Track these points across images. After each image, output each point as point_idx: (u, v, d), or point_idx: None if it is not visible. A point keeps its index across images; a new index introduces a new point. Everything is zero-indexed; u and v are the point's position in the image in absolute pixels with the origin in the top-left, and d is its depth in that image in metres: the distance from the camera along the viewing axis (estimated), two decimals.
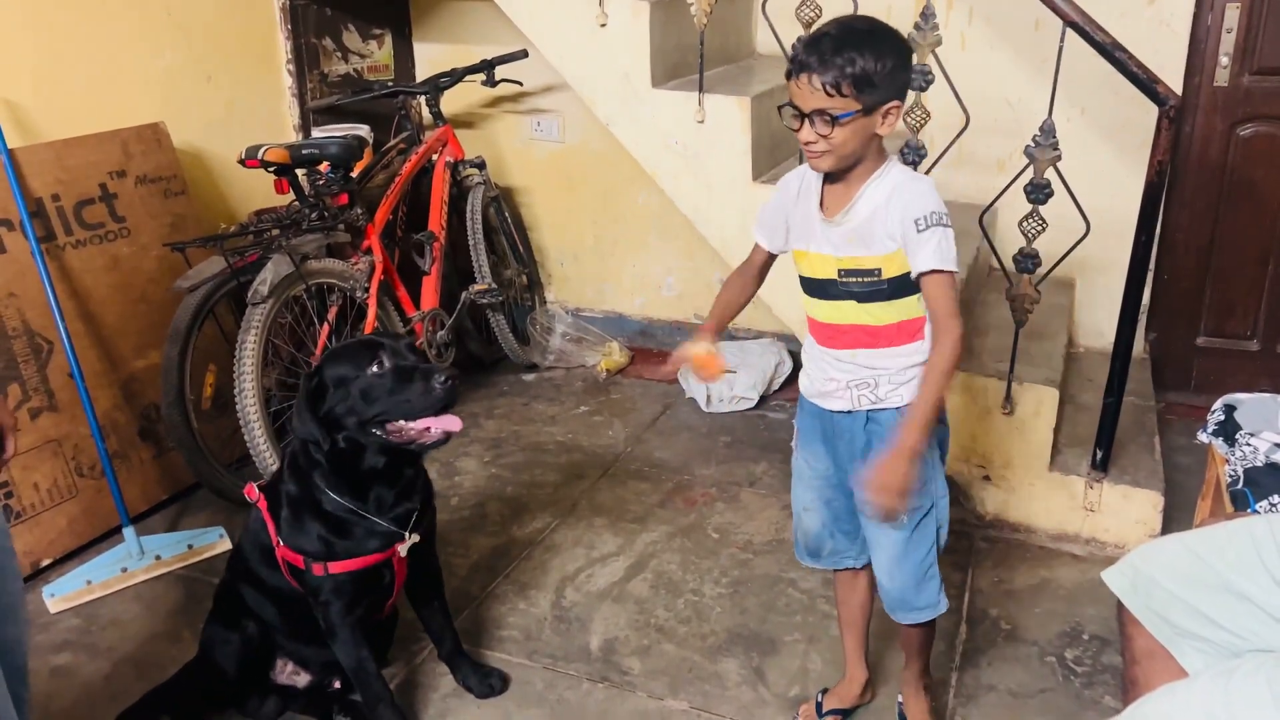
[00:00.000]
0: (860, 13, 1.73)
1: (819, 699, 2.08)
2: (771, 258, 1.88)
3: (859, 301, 1.70)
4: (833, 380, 1.77)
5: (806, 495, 1.92)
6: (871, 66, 1.54)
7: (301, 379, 1.93)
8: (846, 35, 1.56)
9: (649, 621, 2.39)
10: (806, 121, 1.59)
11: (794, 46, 1.61)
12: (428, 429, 1.87)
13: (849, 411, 1.76)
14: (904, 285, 1.67)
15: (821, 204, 1.71)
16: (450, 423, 1.88)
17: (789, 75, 1.60)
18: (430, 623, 2.16)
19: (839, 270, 1.69)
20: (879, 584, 1.87)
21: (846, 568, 1.97)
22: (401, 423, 1.86)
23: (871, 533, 1.82)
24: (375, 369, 1.85)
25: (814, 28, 2.48)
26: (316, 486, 1.89)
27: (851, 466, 1.79)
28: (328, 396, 1.86)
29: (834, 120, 1.56)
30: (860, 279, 1.68)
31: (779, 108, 1.66)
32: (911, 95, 2.44)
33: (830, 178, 1.69)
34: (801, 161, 1.77)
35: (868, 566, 1.93)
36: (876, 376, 1.72)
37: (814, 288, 1.75)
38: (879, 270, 1.66)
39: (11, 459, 1.69)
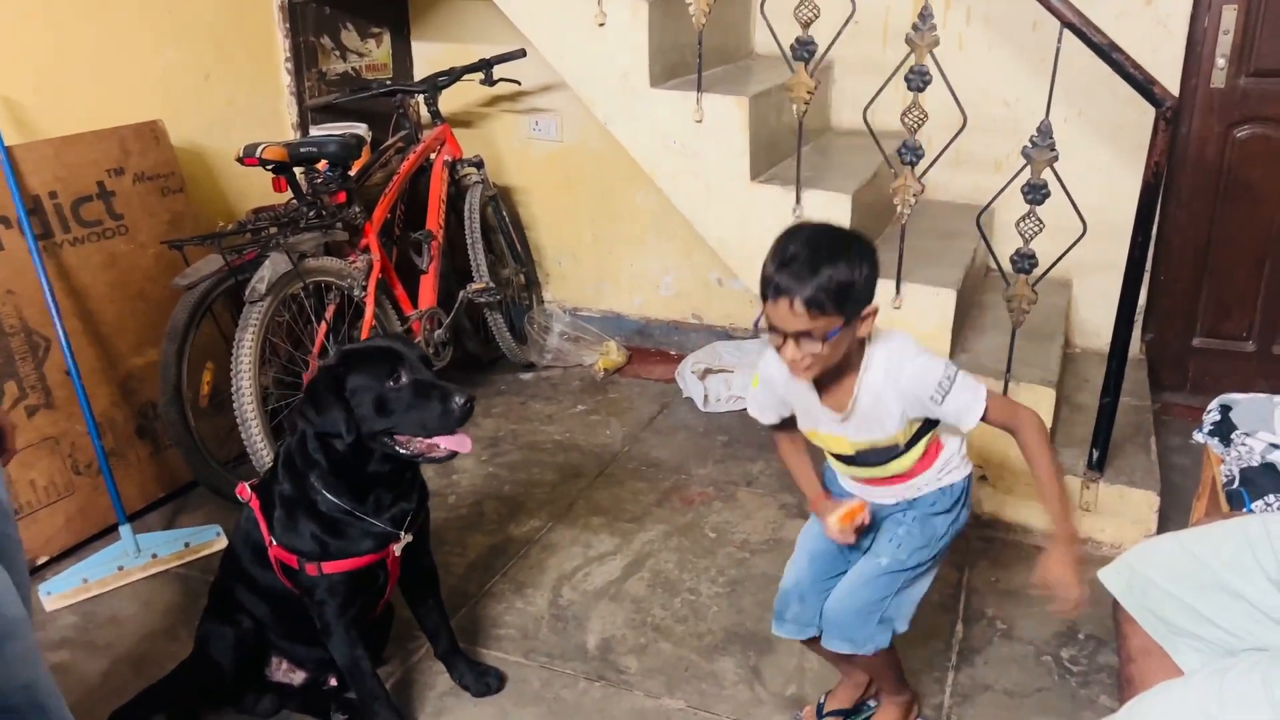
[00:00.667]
0: (821, 223, 1.70)
1: (821, 701, 2.08)
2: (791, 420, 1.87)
3: (881, 463, 1.76)
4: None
5: (800, 544, 1.93)
6: (848, 277, 1.54)
7: (319, 372, 1.91)
8: (816, 251, 1.55)
9: (646, 620, 2.39)
10: (790, 341, 1.57)
11: (765, 269, 1.58)
12: (436, 445, 1.88)
13: (893, 503, 1.83)
14: (921, 434, 1.73)
15: (820, 397, 1.73)
16: (461, 443, 1.90)
17: (765, 297, 1.58)
18: (426, 621, 2.16)
19: (856, 450, 1.75)
20: (828, 602, 1.85)
21: (807, 638, 1.93)
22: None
23: (854, 558, 1.86)
24: (393, 383, 1.85)
25: (811, 28, 2.50)
26: (312, 487, 1.89)
27: (882, 531, 1.83)
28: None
29: (823, 339, 1.55)
30: (875, 453, 1.74)
31: (754, 326, 1.66)
32: (909, 95, 2.44)
33: (818, 379, 1.70)
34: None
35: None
36: (921, 487, 1.80)
37: (832, 454, 1.82)
38: (897, 444, 1.72)
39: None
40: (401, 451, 1.88)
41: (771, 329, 1.59)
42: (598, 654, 2.28)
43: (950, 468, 1.80)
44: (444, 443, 1.88)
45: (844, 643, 1.82)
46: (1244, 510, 1.82)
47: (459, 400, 1.84)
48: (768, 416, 1.87)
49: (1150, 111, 2.34)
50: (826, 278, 1.52)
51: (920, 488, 1.79)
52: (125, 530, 2.58)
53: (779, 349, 1.60)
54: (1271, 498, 1.79)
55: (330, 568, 1.89)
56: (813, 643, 1.92)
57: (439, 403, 1.84)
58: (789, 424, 1.87)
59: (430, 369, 1.91)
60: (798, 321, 1.54)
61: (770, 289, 1.56)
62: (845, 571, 1.86)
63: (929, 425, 1.74)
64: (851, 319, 1.58)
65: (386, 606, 2.16)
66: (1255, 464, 1.88)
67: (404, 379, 1.85)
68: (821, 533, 1.88)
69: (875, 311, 1.62)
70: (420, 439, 1.88)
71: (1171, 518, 2.62)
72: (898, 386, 1.65)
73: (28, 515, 2.56)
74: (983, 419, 1.66)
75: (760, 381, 1.83)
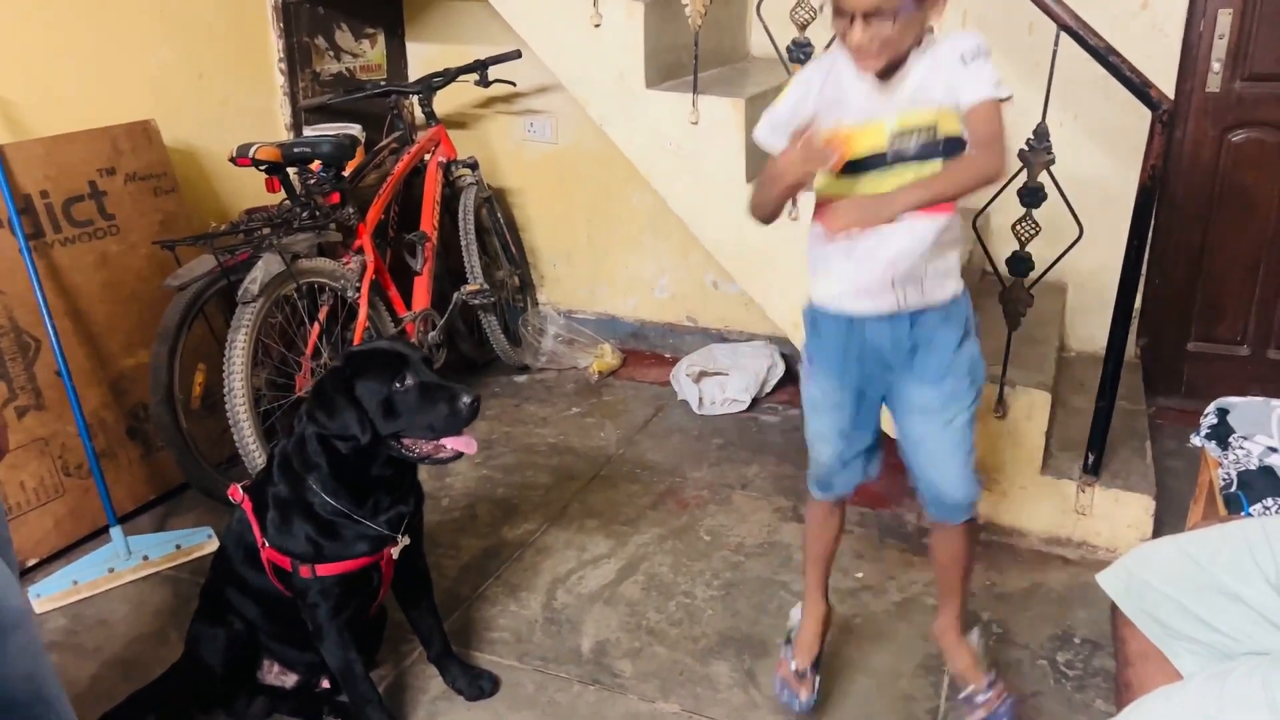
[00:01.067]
0: None
1: (792, 662, 2.06)
2: None
3: (914, 161, 1.61)
4: (872, 276, 1.68)
5: (821, 425, 1.88)
6: None
7: (327, 375, 1.91)
8: None
9: (640, 624, 2.38)
10: (859, 22, 1.52)
11: None
12: (443, 446, 1.88)
13: (893, 315, 1.70)
14: (955, 147, 1.61)
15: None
16: (467, 444, 1.91)
17: None
18: (419, 624, 2.14)
19: (892, 135, 1.61)
20: (929, 490, 1.83)
21: (844, 495, 1.97)
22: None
23: (922, 433, 1.79)
24: (399, 385, 1.84)
25: (808, 30, 2.50)
26: (310, 489, 1.87)
27: (895, 373, 1.76)
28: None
29: (894, 15, 1.50)
30: (915, 137, 1.61)
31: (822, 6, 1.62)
32: None
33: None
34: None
35: (845, 501, 1.98)
36: (922, 265, 1.66)
37: (857, 166, 1.65)
38: (935, 126, 1.60)
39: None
40: (407, 454, 1.88)
41: (837, 12, 1.55)
42: (592, 657, 2.27)
43: (958, 238, 1.71)
44: (451, 443, 1.89)
45: (967, 508, 1.84)
46: (1242, 514, 1.81)
47: (466, 400, 1.85)
48: (777, 135, 1.70)
49: (1145, 115, 2.33)
50: None
51: (931, 277, 1.68)
52: (116, 532, 2.56)
53: (844, 36, 1.55)
54: (1270, 501, 1.79)
55: (324, 570, 1.88)
56: (827, 516, 2.01)
57: (446, 403, 1.85)
58: None
59: (432, 370, 1.91)
60: None
61: None
62: (874, 433, 1.86)
63: (961, 144, 1.62)
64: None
65: (379, 609, 2.14)
66: (1253, 467, 1.87)
67: (410, 381, 1.85)
68: (840, 403, 1.82)
69: None
70: (426, 441, 1.87)
71: (1167, 521, 2.62)
72: (939, 52, 1.59)
73: (17, 517, 2.54)
74: (987, 110, 1.56)
75: (794, 83, 1.72)
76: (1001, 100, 1.57)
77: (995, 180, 1.59)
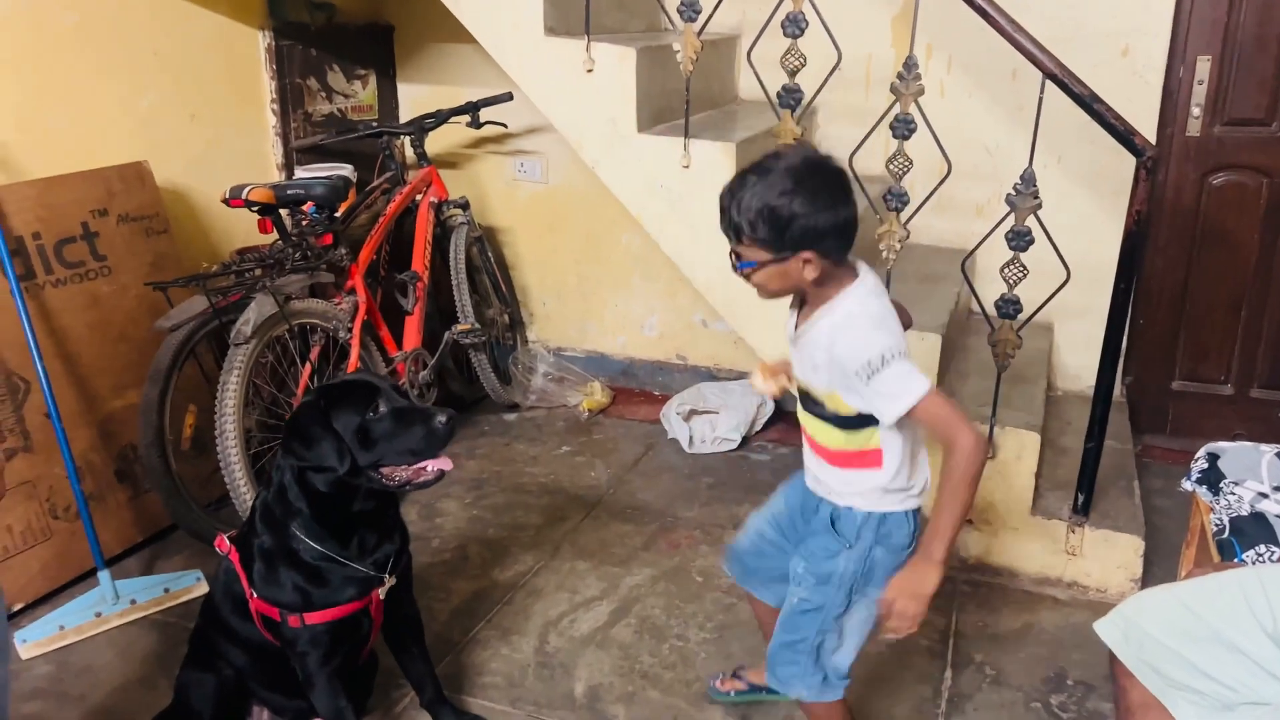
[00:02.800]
0: (813, 153, 1.58)
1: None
2: None
3: (817, 419, 1.67)
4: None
5: (758, 514, 1.95)
6: (783, 210, 1.46)
7: (301, 409, 1.89)
8: (744, 179, 1.50)
9: (634, 667, 2.37)
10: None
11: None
12: (423, 469, 1.87)
13: (816, 495, 1.75)
14: (849, 422, 1.60)
15: (800, 309, 1.67)
16: (444, 462, 1.89)
17: None
18: (410, 669, 2.13)
19: (798, 389, 1.66)
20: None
21: (749, 588, 2.01)
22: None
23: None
24: (373, 414, 1.84)
25: (798, 76, 2.54)
26: (294, 536, 1.86)
27: (799, 527, 1.81)
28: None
29: (735, 264, 1.56)
30: (814, 402, 1.65)
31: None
32: (893, 142, 2.48)
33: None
34: None
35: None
36: (830, 487, 1.70)
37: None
38: (824, 404, 1.63)
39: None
40: (388, 484, 1.87)
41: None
42: (585, 702, 2.25)
43: (875, 491, 1.64)
44: (431, 465, 1.88)
45: (770, 674, 1.80)
46: (1235, 560, 1.83)
47: (441, 419, 1.85)
48: None
49: (1127, 158, 2.37)
50: (759, 202, 1.46)
51: (832, 487, 1.68)
52: (104, 576, 2.53)
53: None
54: (1263, 548, 1.80)
55: (313, 618, 1.86)
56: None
57: (421, 425, 1.85)
58: None
59: (404, 394, 1.91)
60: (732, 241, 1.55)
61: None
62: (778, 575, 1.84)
63: (865, 421, 1.58)
64: (784, 258, 1.48)
65: (370, 655, 2.12)
66: (1245, 513, 1.89)
67: (383, 408, 1.85)
68: (777, 503, 1.88)
69: (813, 261, 1.49)
70: (406, 466, 1.87)
71: (1156, 562, 2.63)
72: (831, 350, 1.53)
73: (3, 561, 2.51)
74: (912, 415, 1.49)
75: None
76: (921, 396, 1.47)
77: (980, 456, 1.50)
